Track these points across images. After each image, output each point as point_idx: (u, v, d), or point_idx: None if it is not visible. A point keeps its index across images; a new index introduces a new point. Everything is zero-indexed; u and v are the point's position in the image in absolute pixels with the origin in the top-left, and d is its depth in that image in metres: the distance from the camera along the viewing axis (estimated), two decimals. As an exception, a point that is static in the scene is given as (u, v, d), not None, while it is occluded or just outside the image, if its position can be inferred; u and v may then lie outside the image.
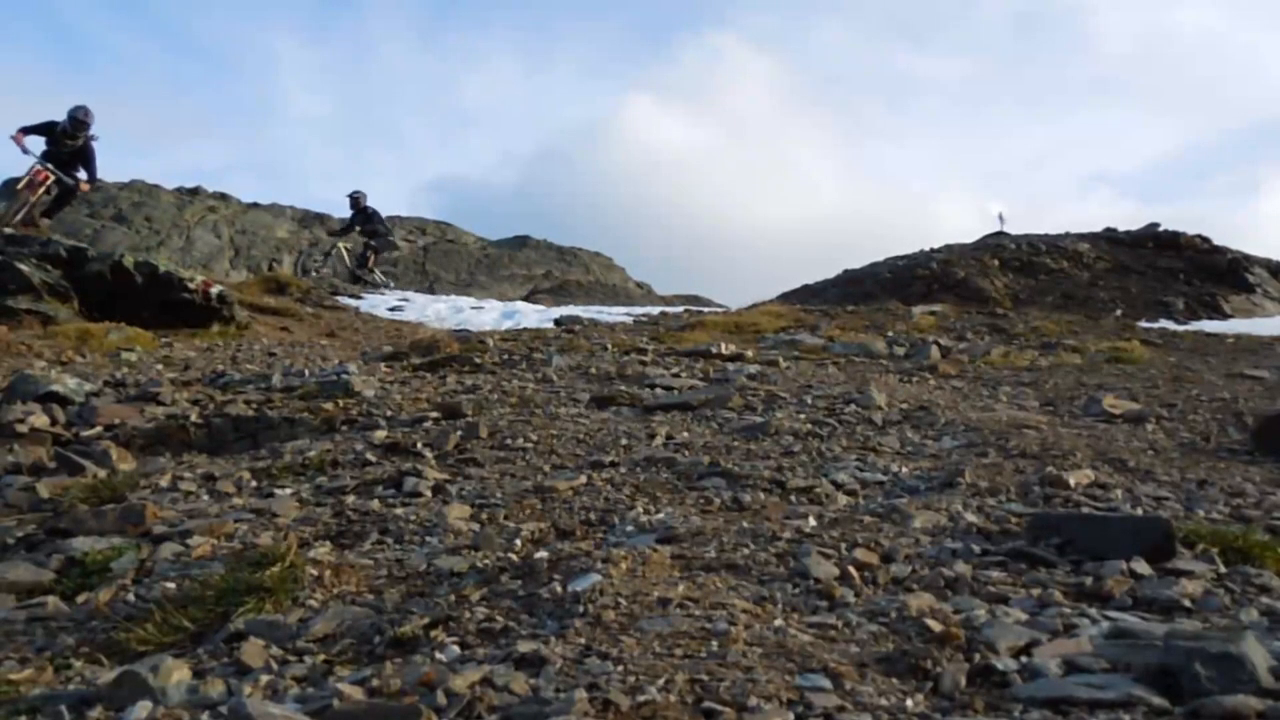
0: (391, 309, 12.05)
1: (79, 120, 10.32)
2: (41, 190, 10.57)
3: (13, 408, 3.82)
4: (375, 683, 1.39)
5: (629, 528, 2.19)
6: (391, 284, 16.13)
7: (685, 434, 3.28)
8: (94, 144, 10.63)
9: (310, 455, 3.09)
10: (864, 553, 1.91)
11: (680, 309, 13.49)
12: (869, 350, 6.26)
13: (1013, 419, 3.59)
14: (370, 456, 3.05)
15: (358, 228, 15.41)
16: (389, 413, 3.76)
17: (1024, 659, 1.38)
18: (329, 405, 3.91)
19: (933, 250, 16.91)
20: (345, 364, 5.22)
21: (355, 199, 15.30)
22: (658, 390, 4.22)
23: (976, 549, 1.95)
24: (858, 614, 1.59)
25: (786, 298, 15.25)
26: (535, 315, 11.74)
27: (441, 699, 1.29)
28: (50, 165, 10.40)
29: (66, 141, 10.47)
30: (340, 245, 15.56)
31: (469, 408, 3.73)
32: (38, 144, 10.67)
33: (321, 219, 29.97)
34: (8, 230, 9.15)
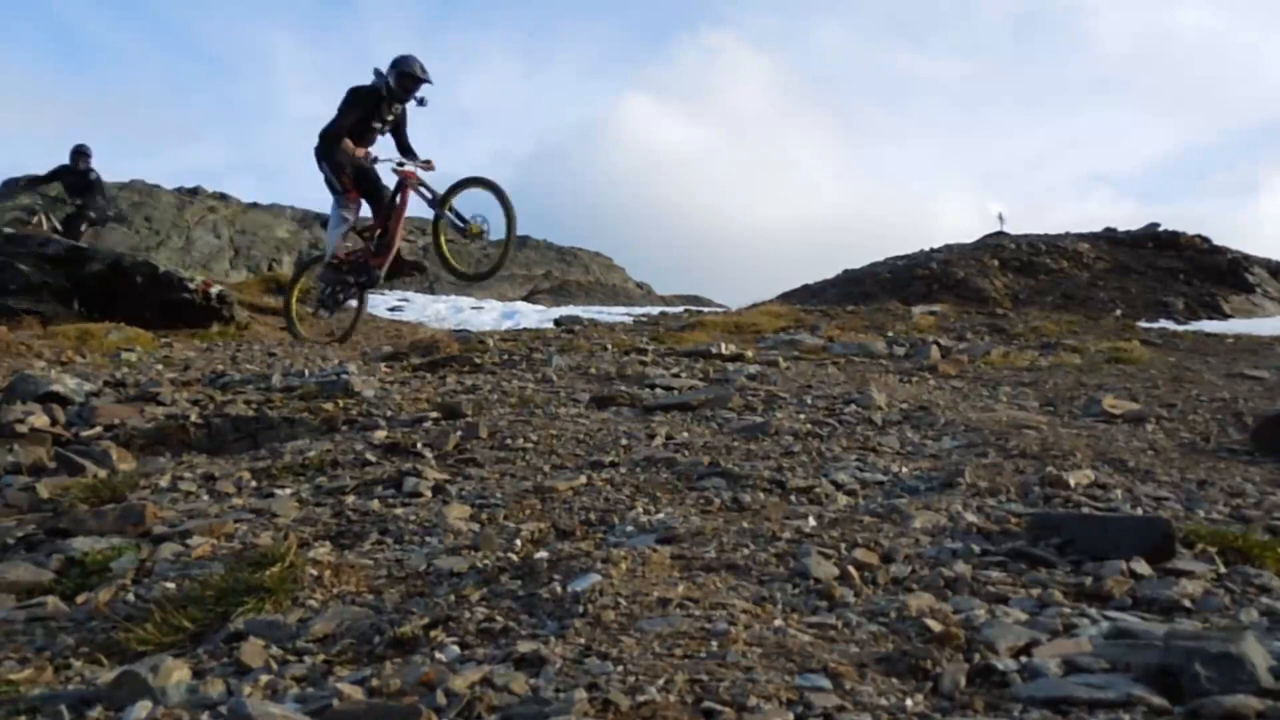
0: (391, 309, 12.07)
1: (411, 75, 7.13)
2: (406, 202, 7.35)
3: (13, 408, 3.82)
4: (375, 683, 1.39)
5: (629, 528, 2.19)
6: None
7: (685, 434, 3.28)
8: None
9: (310, 455, 3.09)
10: (864, 553, 1.91)
11: (680, 309, 13.50)
12: (869, 350, 6.25)
13: (1013, 419, 3.59)
14: (370, 456, 3.05)
15: (63, 183, 12.26)
16: (389, 413, 3.76)
17: (1024, 659, 1.38)
18: (329, 405, 3.90)
19: (933, 250, 16.93)
20: (345, 364, 5.22)
21: (82, 152, 12.23)
22: (658, 390, 4.22)
23: (976, 549, 1.95)
24: (858, 614, 1.59)
25: (786, 298, 15.27)
26: (535, 315, 11.76)
27: (441, 699, 1.29)
28: (410, 162, 7.32)
29: (394, 105, 7.28)
30: (42, 212, 12.27)
31: (469, 408, 3.73)
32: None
33: (321, 219, 29.98)
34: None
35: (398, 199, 7.43)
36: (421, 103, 7.30)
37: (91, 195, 12.37)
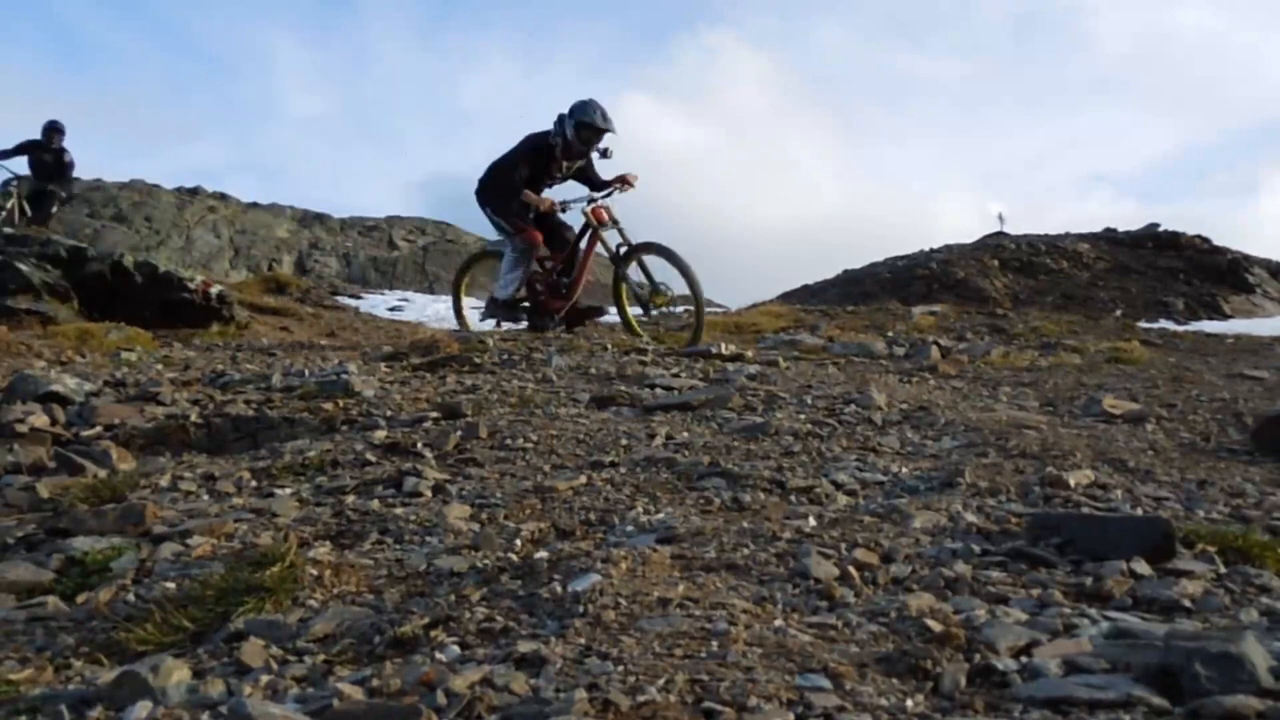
0: (391, 309, 12.09)
1: (590, 126, 6.37)
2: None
3: (13, 407, 3.82)
4: (375, 683, 1.39)
5: (629, 528, 2.19)
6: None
7: (685, 434, 3.28)
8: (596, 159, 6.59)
9: (310, 455, 3.09)
10: (864, 553, 1.91)
11: (680, 309, 13.49)
12: (869, 350, 6.26)
13: (1013, 419, 3.59)
14: (370, 456, 3.05)
15: (31, 159, 11.40)
16: (389, 413, 3.76)
17: (1024, 659, 1.38)
18: (329, 405, 3.90)
19: (933, 250, 16.94)
20: (345, 364, 5.22)
21: (56, 128, 11.50)
22: (658, 390, 4.22)
23: (976, 549, 1.95)
24: (858, 614, 1.59)
25: (786, 298, 15.28)
26: (535, 315, 11.74)
27: (441, 699, 1.29)
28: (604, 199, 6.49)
29: (569, 162, 6.54)
30: (15, 191, 11.34)
31: (469, 408, 3.73)
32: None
33: (321, 219, 30.00)
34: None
35: (584, 243, 6.62)
36: (605, 154, 6.47)
37: (63, 176, 11.68)
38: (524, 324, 6.97)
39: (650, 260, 6.36)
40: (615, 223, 6.42)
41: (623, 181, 6.51)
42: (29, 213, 11.25)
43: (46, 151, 11.58)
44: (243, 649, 1.58)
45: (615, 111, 6.29)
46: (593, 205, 6.47)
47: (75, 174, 12.16)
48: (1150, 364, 6.10)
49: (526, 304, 6.83)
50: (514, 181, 6.39)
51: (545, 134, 6.45)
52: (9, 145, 11.65)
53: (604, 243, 6.51)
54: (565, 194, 6.63)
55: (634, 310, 6.66)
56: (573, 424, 3.42)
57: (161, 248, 24.85)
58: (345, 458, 3.05)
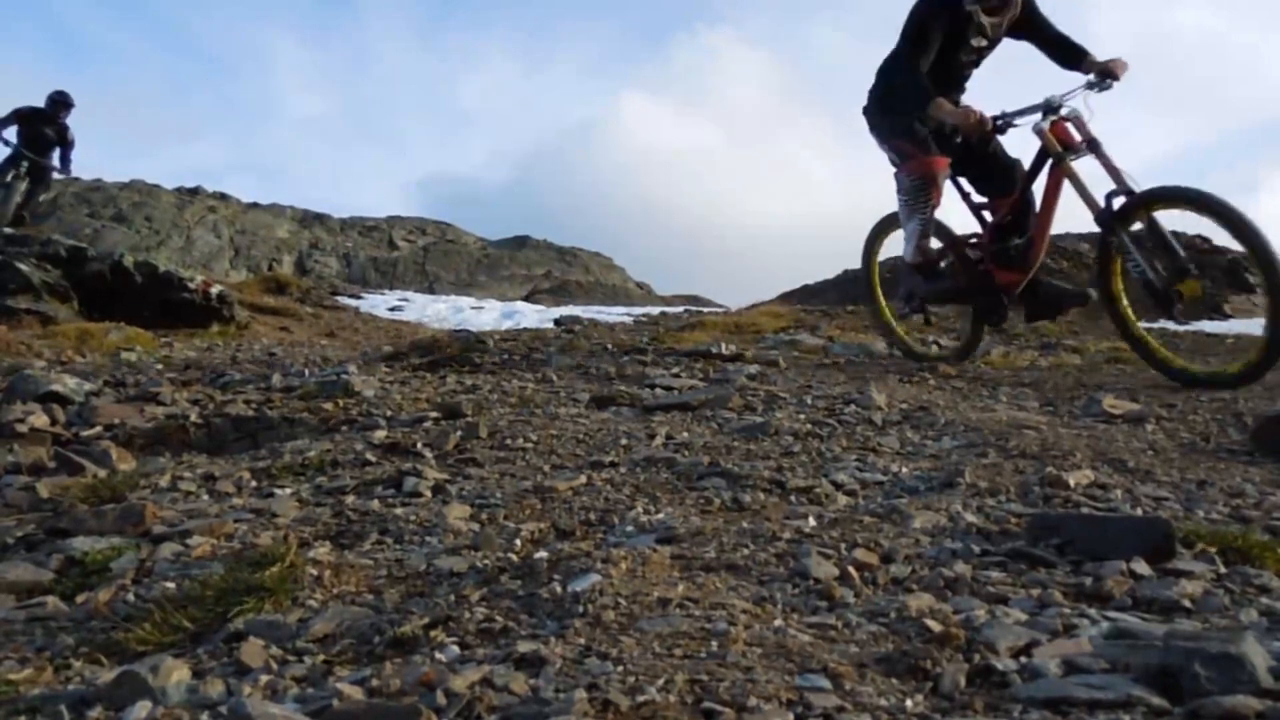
0: (391, 309, 12.09)
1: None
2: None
3: (13, 407, 3.82)
4: (375, 683, 1.39)
5: (629, 528, 2.19)
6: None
7: (685, 434, 3.28)
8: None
9: (310, 455, 3.09)
10: (864, 553, 1.91)
11: (680, 309, 13.50)
12: (869, 350, 6.26)
13: (1013, 419, 3.59)
14: (370, 456, 3.05)
15: (28, 131, 10.17)
16: (389, 413, 3.76)
17: (1024, 659, 1.38)
18: (329, 405, 3.91)
19: (933, 250, 16.89)
20: (345, 364, 5.22)
21: (64, 102, 10.36)
22: (658, 390, 4.22)
23: (976, 549, 1.94)
24: (857, 614, 1.59)
25: (786, 298, 15.26)
26: (535, 315, 11.80)
27: (441, 699, 1.29)
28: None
29: (993, 14, 4.10)
30: (26, 173, 10.28)
31: (469, 408, 3.73)
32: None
33: (321, 219, 30.02)
34: None
35: (1040, 181, 4.15)
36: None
37: (64, 157, 10.52)
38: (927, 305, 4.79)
39: (1167, 219, 3.77)
40: (1094, 146, 3.89)
41: (1104, 74, 3.95)
42: (20, 203, 10.41)
43: (49, 125, 10.46)
44: (242, 649, 1.58)
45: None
46: (1051, 121, 3.97)
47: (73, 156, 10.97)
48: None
49: (956, 289, 4.60)
50: (915, 81, 4.01)
51: None
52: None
53: (1077, 184, 3.97)
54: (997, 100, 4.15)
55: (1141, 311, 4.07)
56: (573, 424, 3.42)
57: (161, 248, 24.86)
58: (345, 458, 3.05)
